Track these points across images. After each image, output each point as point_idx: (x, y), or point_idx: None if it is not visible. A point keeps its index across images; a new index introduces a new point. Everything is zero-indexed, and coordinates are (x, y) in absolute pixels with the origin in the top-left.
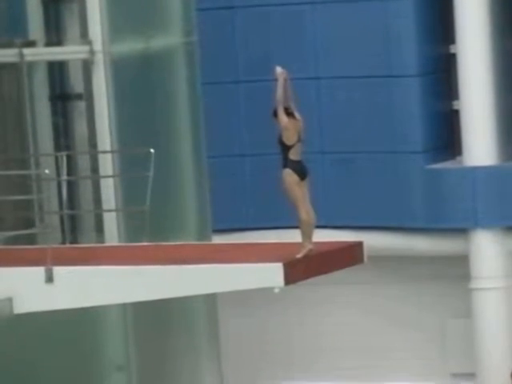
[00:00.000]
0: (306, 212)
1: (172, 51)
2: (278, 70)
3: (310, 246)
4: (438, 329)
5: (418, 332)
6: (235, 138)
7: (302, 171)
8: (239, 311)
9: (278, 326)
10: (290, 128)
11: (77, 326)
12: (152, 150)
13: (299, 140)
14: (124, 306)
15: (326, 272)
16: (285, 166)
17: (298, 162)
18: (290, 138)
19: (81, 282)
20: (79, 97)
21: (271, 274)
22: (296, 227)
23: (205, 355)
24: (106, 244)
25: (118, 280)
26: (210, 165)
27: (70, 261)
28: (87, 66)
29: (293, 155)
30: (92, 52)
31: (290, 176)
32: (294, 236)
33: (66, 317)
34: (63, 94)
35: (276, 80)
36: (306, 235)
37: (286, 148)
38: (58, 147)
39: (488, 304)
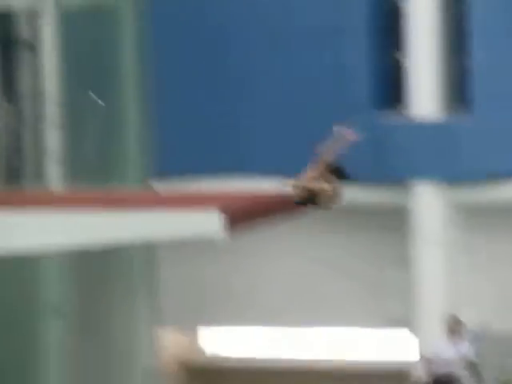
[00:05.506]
0: None
1: (121, 4)
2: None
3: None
4: (377, 278)
5: (356, 280)
6: (181, 85)
7: None
8: (178, 258)
9: (217, 273)
10: None
11: (13, 270)
12: (97, 98)
13: None
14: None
15: (265, 221)
16: None
17: None
18: None
19: (19, 226)
20: (26, 47)
21: (211, 222)
22: (237, 174)
23: (143, 301)
24: (47, 189)
25: (56, 225)
26: (153, 111)
27: (10, 205)
28: (35, 16)
29: None
30: (41, 1)
31: None
32: (234, 184)
33: (2, 261)
34: (10, 44)
35: None
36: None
37: None
38: (3, 96)
39: (425, 254)
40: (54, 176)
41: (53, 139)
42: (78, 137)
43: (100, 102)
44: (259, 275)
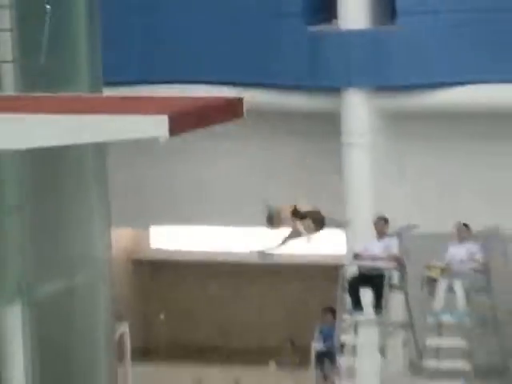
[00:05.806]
0: None
1: None
2: None
3: None
4: (311, 181)
5: (292, 185)
6: None
7: None
8: (127, 161)
9: (163, 175)
10: None
11: None
12: (48, 6)
13: None
14: (19, 152)
15: (209, 125)
16: None
17: None
18: None
19: None
20: None
21: (157, 125)
22: (185, 82)
23: (95, 200)
24: (2, 94)
25: (10, 128)
26: (103, 17)
27: None
28: None
29: None
30: None
31: None
32: (182, 90)
33: None
34: None
35: None
36: None
37: None
38: None
39: (354, 160)
40: (9, 81)
41: (6, 43)
42: (29, 41)
43: (47, 6)
44: (202, 178)
